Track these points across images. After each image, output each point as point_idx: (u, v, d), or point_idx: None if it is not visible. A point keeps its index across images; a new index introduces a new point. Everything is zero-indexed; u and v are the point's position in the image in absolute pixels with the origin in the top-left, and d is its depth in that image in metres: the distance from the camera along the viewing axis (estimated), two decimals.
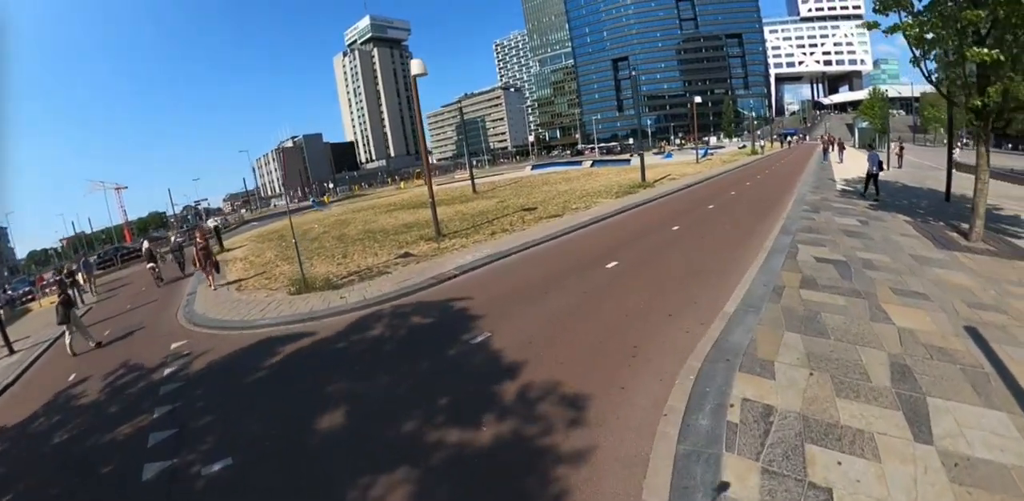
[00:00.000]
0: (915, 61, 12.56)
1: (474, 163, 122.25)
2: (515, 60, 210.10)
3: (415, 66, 16.76)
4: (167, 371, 8.64)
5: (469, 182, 34.57)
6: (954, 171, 38.10)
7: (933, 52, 12.62)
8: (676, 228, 14.96)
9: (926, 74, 12.99)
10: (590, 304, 8.66)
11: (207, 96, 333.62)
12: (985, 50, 10.25)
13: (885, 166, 22.03)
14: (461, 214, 22.72)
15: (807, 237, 12.44)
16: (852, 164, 40.44)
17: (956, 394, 5.16)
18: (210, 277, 15.17)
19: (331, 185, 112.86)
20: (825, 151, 44.68)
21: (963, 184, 21.57)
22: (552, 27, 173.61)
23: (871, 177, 20.17)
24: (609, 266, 11.08)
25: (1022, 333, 6.55)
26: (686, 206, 19.57)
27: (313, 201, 66.83)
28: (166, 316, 13.38)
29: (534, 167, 61.59)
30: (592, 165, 52.75)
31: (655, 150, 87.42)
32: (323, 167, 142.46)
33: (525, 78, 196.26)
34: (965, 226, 13.28)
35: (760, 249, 11.66)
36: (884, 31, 12.67)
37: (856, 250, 11.28)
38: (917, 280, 9.05)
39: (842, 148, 45.12)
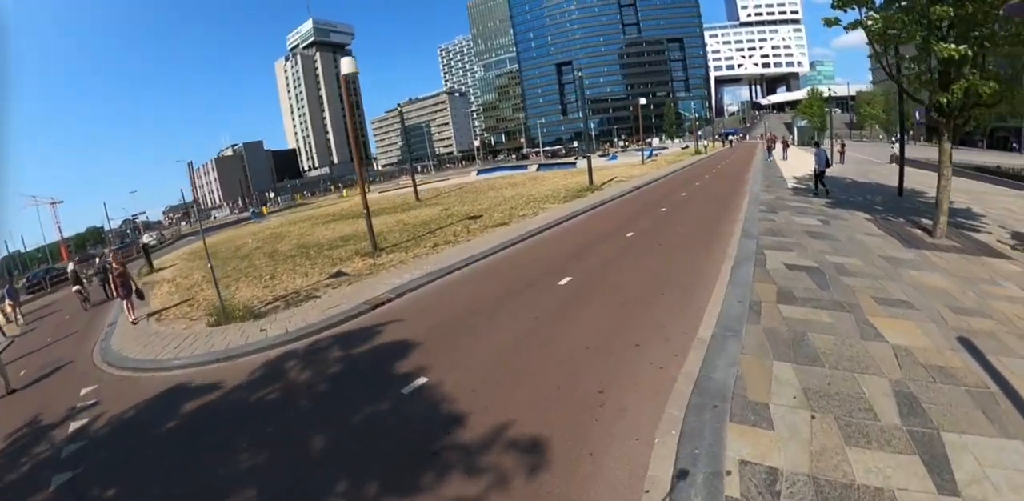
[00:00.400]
0: (877, 57, 12.36)
1: (420, 169, 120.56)
2: (460, 65, 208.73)
3: (346, 65, 15.36)
4: (72, 426, 7.15)
5: (425, 185, 33.42)
6: (894, 165, 39.12)
7: (893, 49, 12.31)
8: (630, 235, 13.98)
9: (888, 70, 12.65)
10: (544, 333, 7.40)
11: (142, 104, 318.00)
12: (953, 46, 9.82)
13: (831, 163, 21.82)
14: (402, 224, 21.26)
15: (772, 241, 11.59)
16: (796, 162, 40.97)
17: (970, 425, 4.54)
18: (129, 307, 13.23)
19: (272, 194, 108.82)
20: (769, 149, 45.49)
21: (910, 178, 21.94)
22: (497, 32, 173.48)
23: (820, 174, 19.96)
24: (562, 282, 9.90)
25: (1012, 340, 6.17)
26: (638, 209, 18.73)
27: (253, 212, 63.76)
28: (83, 352, 11.63)
29: (480, 172, 60.04)
30: (538, 169, 51.71)
31: (599, 153, 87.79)
32: (264, 176, 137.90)
33: (470, 83, 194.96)
34: (925, 222, 13.25)
35: (724, 256, 10.78)
36: (845, 27, 12.29)
37: (825, 254, 10.52)
38: (896, 285, 8.42)
39: (786, 146, 46.36)
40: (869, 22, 11.70)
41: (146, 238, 50.85)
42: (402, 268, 12.59)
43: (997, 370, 5.45)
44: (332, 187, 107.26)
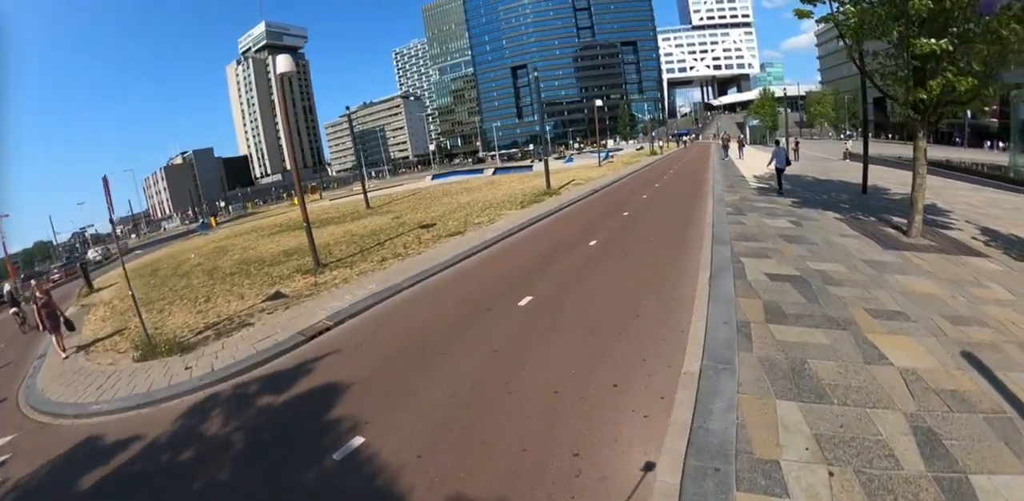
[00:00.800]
0: (848, 53, 11.84)
1: (374, 174, 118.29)
2: (415, 69, 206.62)
3: (281, 63, 13.96)
4: None
5: (379, 191, 31.85)
6: (848, 161, 39.56)
7: (860, 45, 11.89)
8: (594, 243, 13.03)
9: (860, 66, 12.22)
10: (504, 372, 6.22)
11: (90, 109, 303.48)
12: (933, 41, 9.47)
13: (790, 161, 21.59)
14: (349, 236, 19.81)
15: (747, 247, 10.81)
16: (753, 160, 41.21)
17: (996, 463, 4.05)
18: (58, 340, 11.50)
19: (222, 204, 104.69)
20: (725, 148, 46.22)
21: (856, 172, 21.77)
22: (452, 35, 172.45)
23: (778, 172, 19.83)
24: (523, 303, 8.77)
25: (1015, 351, 5.75)
26: (599, 214, 17.84)
27: (202, 222, 60.72)
28: (10, 390, 10.03)
29: (434, 177, 58.17)
30: (494, 173, 50.40)
31: (556, 155, 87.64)
32: (215, 184, 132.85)
33: (425, 87, 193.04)
34: (896, 220, 13.10)
35: (698, 265, 9.97)
36: (817, 20, 12.07)
37: (806, 260, 9.80)
38: (886, 294, 7.79)
39: (742, 145, 47.26)
40: (842, 17, 11.33)
41: (91, 253, 47.72)
42: (345, 288, 11.27)
43: (1009, 390, 4.99)
44: (285, 194, 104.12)
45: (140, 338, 9.79)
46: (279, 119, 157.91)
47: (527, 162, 63.60)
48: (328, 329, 8.76)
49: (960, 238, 11.66)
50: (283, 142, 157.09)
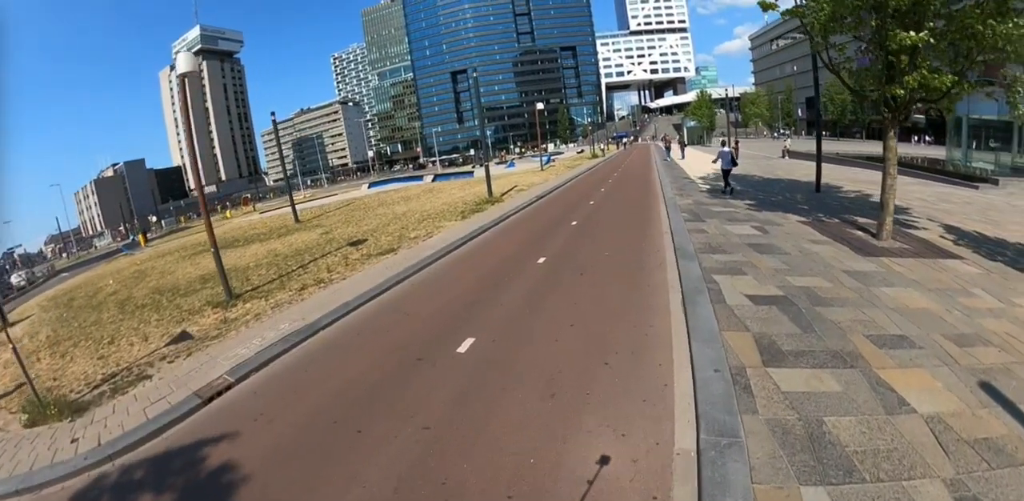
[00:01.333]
0: (814, 47, 11.43)
1: (310, 183, 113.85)
2: (354, 74, 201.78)
3: (182, 62, 11.97)
4: None
5: (313, 202, 29.53)
6: (787, 159, 39.90)
7: (825, 40, 11.16)
8: (543, 260, 11.60)
9: (827, 62, 11.50)
10: (437, 463, 4.55)
11: (12, 117, 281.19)
12: (914, 34, 8.87)
13: (736, 161, 21.12)
14: (272, 256, 17.68)
15: (716, 262, 9.65)
16: (695, 160, 41.19)
17: None
18: None
19: (154, 218, 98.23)
20: (668, 149, 46.40)
21: (800, 170, 21.32)
22: (392, 40, 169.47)
23: (725, 173, 19.21)
24: (462, 350, 7.07)
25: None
26: (546, 224, 16.52)
27: (129, 241, 56.04)
28: None
29: (371, 185, 55.18)
30: (434, 180, 48.12)
31: (497, 160, 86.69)
32: (148, 198, 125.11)
33: (364, 92, 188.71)
34: (861, 220, 12.91)
35: (666, 287, 8.75)
36: (783, 14, 11.49)
37: (784, 275, 8.79)
38: (881, 313, 6.94)
39: (683, 146, 47.58)
40: (809, 10, 10.69)
41: (15, 278, 43.08)
42: (256, 327, 9.40)
43: None
44: (219, 206, 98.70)
45: (30, 397, 7.82)
46: (213, 128, 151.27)
47: (468, 167, 62.04)
48: (229, 387, 6.99)
49: (929, 238, 11.28)
50: (218, 152, 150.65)
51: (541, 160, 44.33)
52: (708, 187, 21.08)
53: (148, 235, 60.55)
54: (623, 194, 22.10)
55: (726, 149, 20.59)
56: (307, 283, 12.09)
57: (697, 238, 11.65)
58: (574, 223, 15.74)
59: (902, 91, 9.70)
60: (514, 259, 12.11)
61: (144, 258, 27.87)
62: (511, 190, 27.09)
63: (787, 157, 42.23)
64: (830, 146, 59.78)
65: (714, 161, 20.86)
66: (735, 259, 9.83)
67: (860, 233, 11.75)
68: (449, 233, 16.22)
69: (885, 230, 10.87)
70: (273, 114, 30.58)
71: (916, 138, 69.50)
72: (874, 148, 55.58)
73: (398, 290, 10.89)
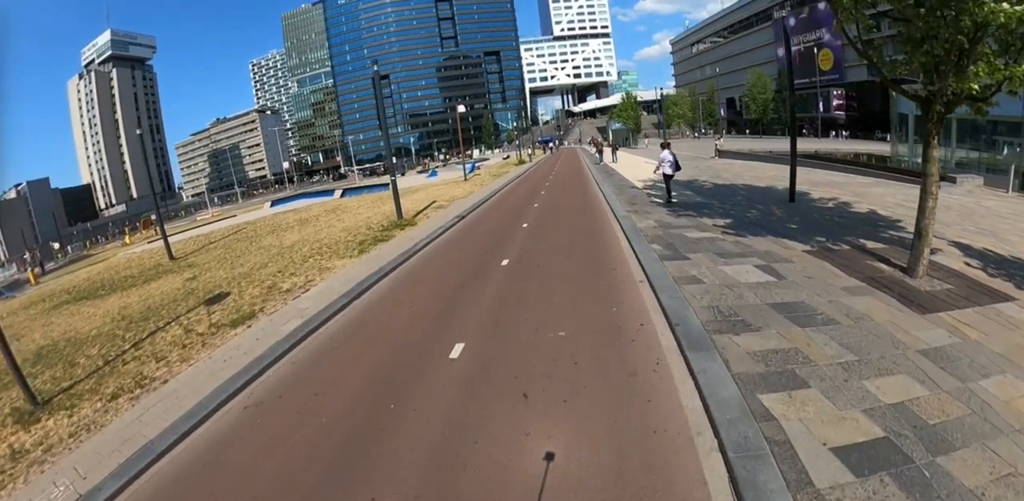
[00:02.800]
0: (850, 40, 8.15)
1: (216, 201, 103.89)
2: (273, 81, 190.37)
3: None
4: None
5: (209, 226, 23.62)
6: (717, 158, 37.16)
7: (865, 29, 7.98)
8: (460, 349, 6.88)
9: (864, 51, 8.13)
10: None
11: None
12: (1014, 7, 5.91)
13: (680, 165, 17.75)
14: (120, 317, 12.28)
15: (750, 357, 5.39)
16: (628, 164, 37.97)
17: None
18: None
19: (57, 245, 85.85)
20: (600, 153, 43.40)
21: (748, 173, 19.16)
22: (312, 45, 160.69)
23: (668, 179, 16.87)
24: None
25: None
26: (471, 259, 11.98)
27: (12, 280, 46.63)
28: None
29: (274, 203, 47.63)
30: (343, 195, 41.75)
31: (419, 168, 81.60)
32: (53, 220, 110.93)
33: (284, 100, 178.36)
34: (871, 246, 9.85)
35: (681, 421, 4.42)
36: None
37: (859, 377, 5.07)
38: (1013, 446, 3.88)
39: (615, 149, 45.13)
40: None
41: None
42: (41, 473, 4.67)
43: None
44: (126, 228, 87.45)
45: None
46: (123, 141, 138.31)
47: (388, 178, 56.20)
48: None
49: (959, 269, 8.43)
50: (129, 167, 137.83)
51: (464, 169, 39.17)
52: (660, 198, 17.23)
53: (46, 266, 51.21)
54: (563, 210, 17.92)
55: (668, 152, 17.06)
56: (124, 385, 7.08)
57: (691, 293, 7.40)
58: (505, 263, 11.10)
59: (976, 87, 6.93)
60: (417, 344, 7.31)
61: (14, 307, 21.03)
62: (428, 207, 22.26)
63: (718, 157, 39.66)
64: (760, 144, 58.41)
65: (657, 170, 17.52)
66: (773, 345, 5.65)
67: (885, 267, 8.46)
68: (335, 280, 11.35)
69: (922, 266, 7.84)
70: (137, 125, 24.48)
71: (834, 133, 69.94)
72: (801, 145, 54.62)
73: (245, 396, 6.32)
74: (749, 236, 10.86)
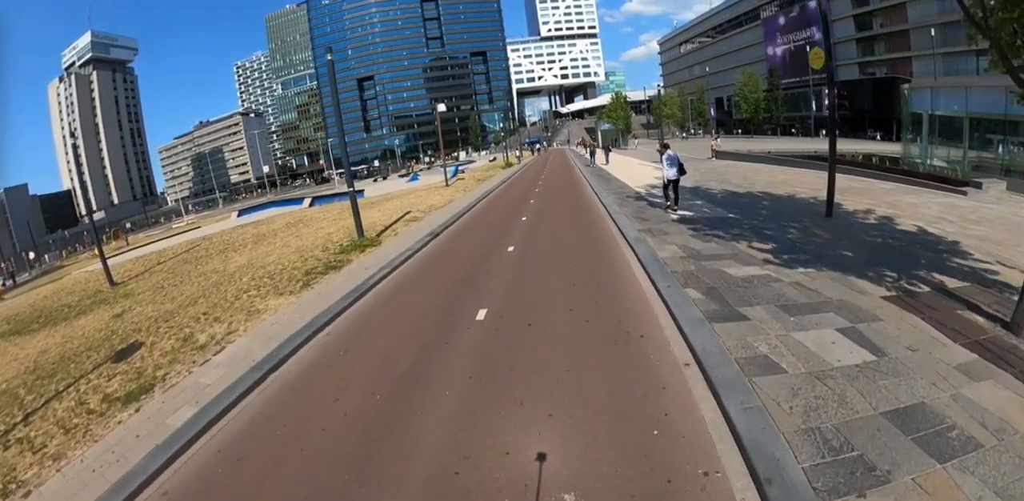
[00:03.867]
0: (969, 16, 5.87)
1: (191, 208, 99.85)
2: (258, 83, 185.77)
3: None
4: None
5: (173, 238, 20.36)
6: (716, 160, 34.65)
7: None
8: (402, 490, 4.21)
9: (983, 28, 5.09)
10: None
11: None
12: None
13: (685, 169, 15.22)
14: (26, 371, 9.60)
15: None
16: (622, 165, 35.49)
17: None
18: None
19: (32, 254, 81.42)
20: (592, 154, 41.15)
21: (759, 177, 17.45)
22: (297, 47, 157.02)
23: (672, 183, 14.57)
24: None
25: None
26: (437, 304, 9.00)
27: None
28: None
29: (241, 212, 43.77)
30: (312, 204, 38.28)
31: (403, 171, 78.62)
32: (33, 228, 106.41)
33: (269, 102, 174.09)
34: (953, 284, 7.36)
35: None
36: None
37: None
38: None
39: (608, 150, 42.26)
40: None
41: None
42: None
43: None
44: (105, 236, 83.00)
45: None
46: (104, 146, 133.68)
47: (369, 181, 53.44)
48: None
49: None
50: (109, 172, 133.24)
51: (446, 174, 35.91)
52: (678, 213, 14.28)
53: (18, 278, 47.73)
54: (558, 229, 14.72)
55: (673, 154, 14.59)
56: None
57: (771, 395, 4.58)
58: (481, 317, 7.95)
59: None
60: (379, 418, 4.84)
61: None
62: (399, 220, 19.33)
63: (716, 158, 37.13)
64: (754, 144, 56.02)
65: (670, 172, 14.62)
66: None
67: (980, 320, 6.05)
68: (258, 335, 8.43)
69: None
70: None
71: (824, 132, 67.89)
72: (798, 145, 52.63)
73: None
74: (804, 269, 8.17)
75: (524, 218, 16.59)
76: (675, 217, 13.66)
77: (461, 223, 17.63)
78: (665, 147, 15.80)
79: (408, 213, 20.63)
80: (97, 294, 17.54)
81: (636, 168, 32.81)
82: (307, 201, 36.91)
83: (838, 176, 22.09)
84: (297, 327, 8.43)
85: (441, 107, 31.19)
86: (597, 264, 10.15)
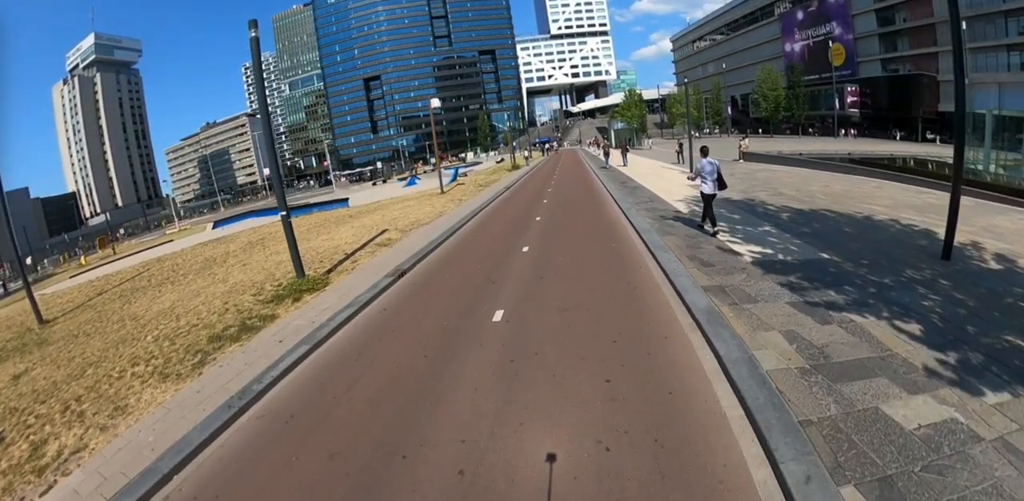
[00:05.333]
0: None
1: (182, 214, 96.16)
2: (266, 84, 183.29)
3: None
4: None
5: (157, 249, 16.20)
6: (743, 162, 30.58)
7: None
8: None
9: None
10: None
11: None
12: None
13: (725, 182, 11.46)
14: None
15: None
16: (643, 168, 31.56)
17: None
18: None
19: (29, 260, 77.55)
20: (606, 155, 37.58)
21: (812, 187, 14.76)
22: (304, 47, 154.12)
23: (709, 200, 11.42)
24: None
25: None
26: (371, 434, 5.12)
27: None
28: None
29: (217, 224, 39.55)
30: (287, 216, 32.03)
31: (404, 174, 74.99)
32: (32, 232, 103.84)
33: (277, 103, 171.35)
34: None
35: None
36: None
37: None
38: None
39: (625, 150, 38.34)
40: None
41: None
42: None
43: None
44: (99, 240, 79.28)
45: None
46: (108, 148, 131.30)
47: (368, 185, 49.50)
48: None
49: None
50: (113, 174, 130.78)
51: (441, 180, 30.67)
52: (755, 252, 9.76)
53: (9, 287, 44.26)
54: (571, 271, 10.26)
55: (709, 160, 11.12)
56: None
57: None
58: (446, 472, 4.54)
59: None
60: None
61: None
62: (369, 243, 15.20)
63: (743, 160, 33.04)
64: (777, 144, 51.40)
65: (692, 178, 12.41)
66: None
67: None
68: (104, 462, 4.73)
69: None
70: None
71: (844, 131, 63.98)
72: (824, 145, 48.46)
73: None
74: (996, 396, 4.28)
75: (525, 248, 12.42)
76: (749, 256, 9.58)
77: (440, 253, 13.42)
78: (703, 152, 11.94)
79: (383, 233, 16.48)
80: (24, 334, 13.79)
81: (660, 172, 28.68)
82: (284, 213, 32.03)
83: (893, 185, 18.27)
84: (141, 466, 4.69)
85: (435, 102, 27.11)
86: (644, 374, 5.73)
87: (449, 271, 11.41)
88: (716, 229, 11.41)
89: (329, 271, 11.92)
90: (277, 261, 14.34)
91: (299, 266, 11.05)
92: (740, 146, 34.55)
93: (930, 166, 26.06)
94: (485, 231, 15.97)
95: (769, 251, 9.62)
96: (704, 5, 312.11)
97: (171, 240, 35.63)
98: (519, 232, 14.72)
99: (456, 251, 13.48)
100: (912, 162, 29.51)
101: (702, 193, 11.47)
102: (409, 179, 52.19)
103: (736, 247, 10.13)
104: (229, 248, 19.40)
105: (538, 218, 16.75)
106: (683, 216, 13.97)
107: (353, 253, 13.60)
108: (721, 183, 11.39)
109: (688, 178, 12.06)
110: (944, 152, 42.49)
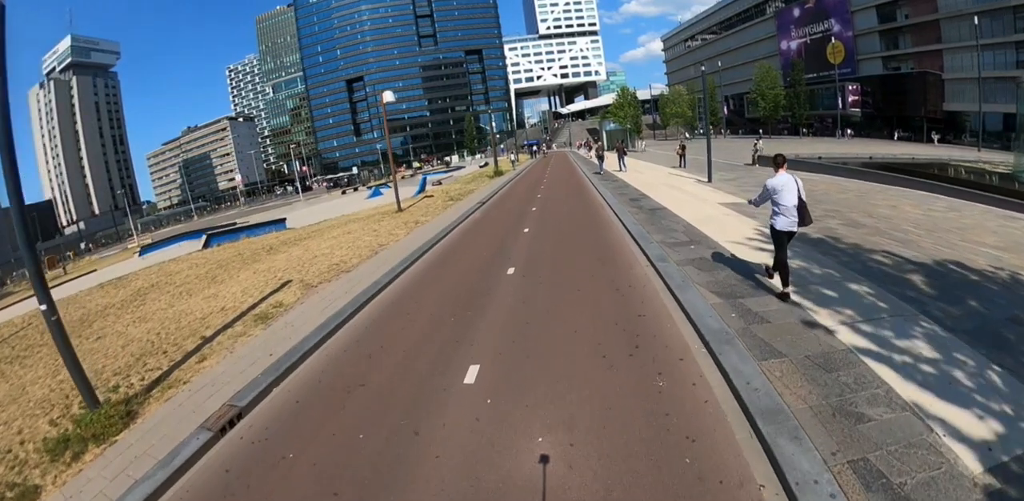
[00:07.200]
0: None
1: (189, 212, 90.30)
2: (250, 87, 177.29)
3: None
4: None
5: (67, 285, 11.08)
6: (757, 166, 25.64)
7: None
8: None
9: None
10: None
11: None
12: None
13: (810, 216, 6.69)
14: None
15: None
16: (645, 175, 26.76)
17: None
18: None
19: None
20: (600, 159, 32.64)
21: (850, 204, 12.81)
22: (287, 48, 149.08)
23: (785, 242, 6.84)
24: None
25: None
26: None
27: None
28: None
29: (143, 251, 32.42)
30: (207, 244, 25.13)
31: (382, 181, 70.11)
32: (5, 243, 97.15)
33: (261, 106, 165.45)
34: None
35: None
36: None
37: None
38: None
39: (622, 153, 32.15)
40: None
41: None
42: None
43: None
44: (76, 250, 72.45)
45: None
46: (84, 153, 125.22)
47: (337, 193, 44.54)
48: None
49: None
50: (90, 181, 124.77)
51: (397, 195, 24.86)
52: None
53: None
54: (572, 342, 5.95)
55: (791, 175, 6.81)
56: None
57: None
58: None
59: None
60: None
61: None
62: (251, 310, 9.77)
63: (757, 165, 28.40)
64: (781, 146, 47.04)
65: (753, 203, 7.61)
66: None
67: None
68: None
69: None
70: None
71: (840, 132, 60.52)
72: (829, 147, 44.20)
73: None
74: None
75: (474, 368, 6.49)
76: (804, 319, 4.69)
77: (328, 353, 7.67)
78: (778, 163, 7.02)
79: (282, 288, 10.85)
80: None
81: (671, 181, 23.50)
82: (204, 238, 26.02)
83: (947, 200, 13.96)
84: None
85: (388, 95, 21.89)
86: None
87: (313, 431, 5.44)
88: (786, 290, 6.91)
89: (151, 386, 6.74)
90: (127, 341, 8.96)
91: (87, 391, 5.87)
92: (754, 149, 29.75)
93: (988, 177, 21.47)
94: (434, 284, 10.75)
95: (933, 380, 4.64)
96: (692, 7, 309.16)
97: (93, 270, 29.15)
98: (483, 289, 9.59)
99: (412, 293, 8.33)
100: (962, 171, 25.10)
101: (772, 228, 6.95)
102: (373, 190, 47.15)
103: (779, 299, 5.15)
104: (103, 302, 13.12)
105: (511, 270, 10.64)
106: (750, 269, 8.48)
107: (214, 336, 8.37)
108: (803, 215, 6.70)
109: (750, 202, 7.20)
110: (957, 154, 38.45)
